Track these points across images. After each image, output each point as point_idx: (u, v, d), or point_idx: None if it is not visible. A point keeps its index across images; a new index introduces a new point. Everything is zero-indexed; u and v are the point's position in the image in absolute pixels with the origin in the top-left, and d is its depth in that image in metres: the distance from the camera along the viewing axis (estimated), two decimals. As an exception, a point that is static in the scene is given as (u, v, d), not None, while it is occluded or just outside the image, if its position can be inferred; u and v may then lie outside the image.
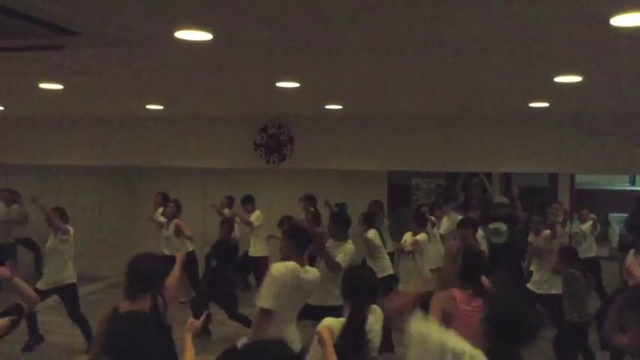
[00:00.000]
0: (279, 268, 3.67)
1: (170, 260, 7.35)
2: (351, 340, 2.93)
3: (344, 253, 5.10)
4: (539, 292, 6.13)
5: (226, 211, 8.64)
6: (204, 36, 3.32)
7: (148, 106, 6.79)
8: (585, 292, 5.31)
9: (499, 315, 2.24)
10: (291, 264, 3.68)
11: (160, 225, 7.85)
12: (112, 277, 8.93)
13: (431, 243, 7.05)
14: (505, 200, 8.09)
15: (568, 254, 5.38)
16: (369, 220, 6.66)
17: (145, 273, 3.17)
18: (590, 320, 5.37)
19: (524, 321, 2.18)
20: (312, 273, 3.87)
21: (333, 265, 5.00)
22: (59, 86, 5.44)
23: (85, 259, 9.49)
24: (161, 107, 6.85)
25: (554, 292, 5.80)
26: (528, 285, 6.30)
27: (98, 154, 8.22)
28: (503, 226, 7.22)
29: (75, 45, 3.59)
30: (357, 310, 3.00)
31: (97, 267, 9.40)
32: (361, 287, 3.12)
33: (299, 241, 3.80)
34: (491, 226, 7.48)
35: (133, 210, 10.24)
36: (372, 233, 6.48)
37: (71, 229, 6.29)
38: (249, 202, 8.31)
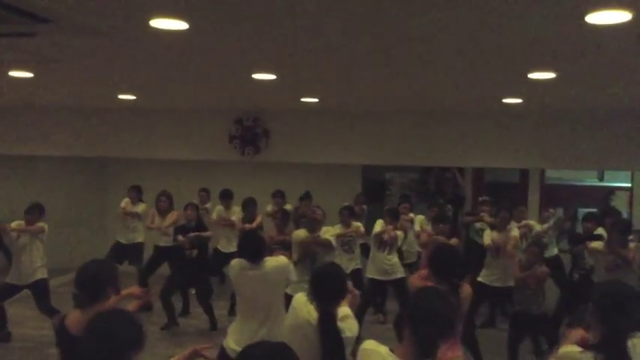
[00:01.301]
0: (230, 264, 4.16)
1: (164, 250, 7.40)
2: (325, 342, 2.91)
3: (329, 234, 5.74)
4: (495, 285, 6.30)
5: (208, 205, 8.63)
6: (179, 25, 3.27)
7: (121, 96, 6.68)
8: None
9: (417, 311, 2.29)
10: (236, 260, 4.08)
11: (133, 215, 7.83)
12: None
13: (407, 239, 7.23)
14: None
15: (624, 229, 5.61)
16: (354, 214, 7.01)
17: (93, 281, 3.02)
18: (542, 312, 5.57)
19: (438, 316, 2.22)
20: (261, 268, 3.99)
21: (324, 244, 5.58)
22: (30, 75, 5.31)
23: (56, 251, 9.35)
24: (134, 97, 6.75)
25: (509, 284, 6.04)
26: (480, 279, 6.44)
27: (69, 145, 8.06)
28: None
29: (47, 33, 3.51)
30: (325, 312, 2.97)
31: (68, 259, 9.24)
32: (329, 287, 3.06)
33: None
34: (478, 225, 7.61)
35: (105, 202, 10.09)
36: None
37: (46, 227, 6.22)
38: (229, 197, 8.11)
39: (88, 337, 2.15)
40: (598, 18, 2.88)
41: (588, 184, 10.39)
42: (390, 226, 6.69)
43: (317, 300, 3.02)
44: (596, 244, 5.79)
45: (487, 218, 7.40)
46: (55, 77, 5.53)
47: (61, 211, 9.63)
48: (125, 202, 8.13)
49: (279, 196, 8.32)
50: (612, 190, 9.43)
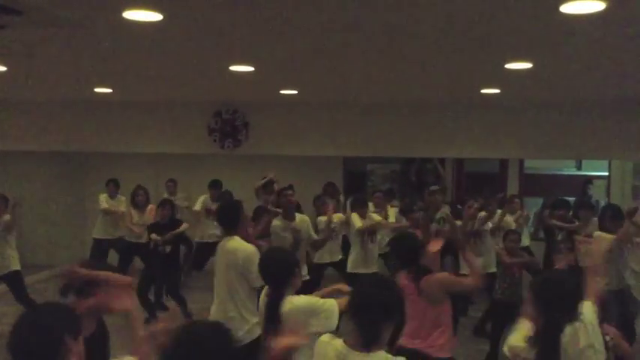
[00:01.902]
0: None
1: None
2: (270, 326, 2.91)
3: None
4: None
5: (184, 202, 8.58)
6: (153, 16, 3.22)
7: (97, 90, 6.59)
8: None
9: (354, 298, 2.34)
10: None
11: (116, 212, 7.76)
12: (61, 266, 8.69)
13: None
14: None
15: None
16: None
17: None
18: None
19: (374, 303, 2.22)
20: (230, 245, 4.09)
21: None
22: (2, 68, 5.22)
23: (34, 248, 9.24)
24: (110, 91, 6.66)
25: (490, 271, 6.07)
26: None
27: (46, 140, 7.94)
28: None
29: (19, 25, 3.44)
30: (276, 294, 2.99)
31: (46, 255, 9.15)
32: (276, 272, 3.07)
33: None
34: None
35: (83, 197, 9.96)
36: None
37: (7, 217, 6.07)
38: (219, 188, 8.06)
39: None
40: (572, 8, 2.91)
41: (566, 173, 10.51)
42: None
43: (266, 283, 3.15)
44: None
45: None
46: (29, 70, 5.42)
47: (37, 207, 9.51)
48: (104, 198, 8.02)
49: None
50: (590, 179, 9.55)
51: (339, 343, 2.28)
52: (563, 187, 9.44)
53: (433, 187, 6.99)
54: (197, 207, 8.12)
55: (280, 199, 5.86)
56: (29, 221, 9.19)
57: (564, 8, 2.92)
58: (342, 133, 7.38)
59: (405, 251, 3.74)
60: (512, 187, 9.42)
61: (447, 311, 3.71)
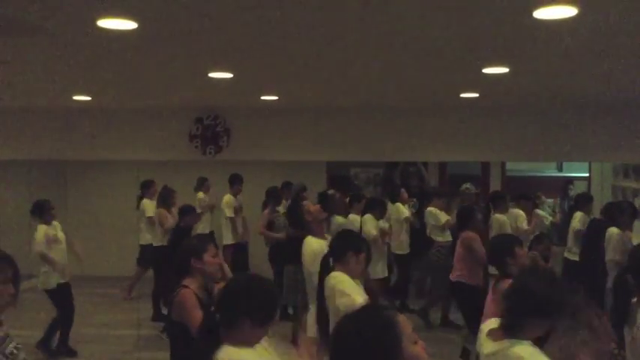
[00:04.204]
0: None
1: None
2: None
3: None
4: None
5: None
6: (127, 25, 3.20)
7: (75, 97, 6.53)
8: None
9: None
10: None
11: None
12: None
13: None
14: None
15: None
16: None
17: None
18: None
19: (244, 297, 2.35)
20: None
21: None
22: (-23, 76, 5.15)
23: (16, 257, 9.09)
24: (89, 98, 6.60)
25: None
26: None
27: (25, 148, 7.85)
28: None
29: (-10, 33, 3.40)
30: None
31: (28, 264, 9.01)
32: None
33: None
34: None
35: (65, 205, 9.86)
36: None
37: None
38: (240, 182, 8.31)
39: None
40: (545, 13, 2.93)
41: (548, 174, 10.61)
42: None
43: None
44: None
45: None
46: (5, 79, 5.36)
47: (20, 216, 9.38)
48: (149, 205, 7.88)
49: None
50: (571, 180, 9.65)
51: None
52: (544, 189, 9.52)
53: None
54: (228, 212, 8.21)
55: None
56: (10, 231, 9.07)
57: (537, 14, 2.94)
58: (324, 138, 7.38)
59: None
60: (495, 189, 9.48)
61: None
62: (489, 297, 3.80)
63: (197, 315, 2.99)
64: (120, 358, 6.23)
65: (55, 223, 6.24)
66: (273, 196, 7.74)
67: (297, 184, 8.26)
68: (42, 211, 6.13)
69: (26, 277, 8.67)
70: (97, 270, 8.96)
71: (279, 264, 7.01)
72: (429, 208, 7.58)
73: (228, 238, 8.24)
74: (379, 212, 7.22)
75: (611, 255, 5.82)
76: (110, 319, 7.49)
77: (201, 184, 8.85)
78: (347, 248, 3.59)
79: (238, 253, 8.20)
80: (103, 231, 9.67)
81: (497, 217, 6.81)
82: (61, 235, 6.24)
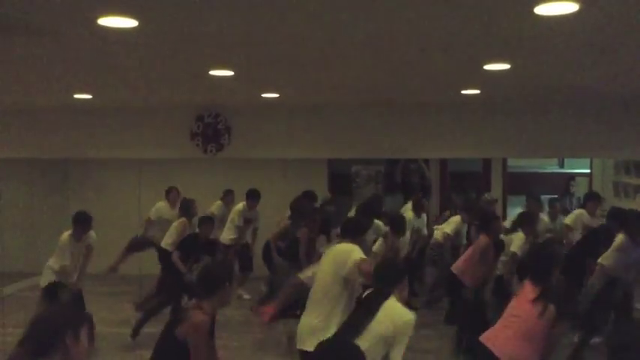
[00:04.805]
0: None
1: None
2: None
3: None
4: None
5: None
6: (128, 23, 3.19)
7: (77, 96, 6.53)
8: None
9: None
10: None
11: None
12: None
13: None
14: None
15: None
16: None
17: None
18: None
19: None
20: None
21: None
22: (-22, 76, 5.15)
23: (16, 256, 9.13)
24: (90, 97, 6.60)
25: None
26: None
27: (26, 147, 7.85)
28: None
29: (-10, 32, 3.40)
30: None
31: (27, 264, 9.04)
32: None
33: None
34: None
35: (66, 204, 9.87)
36: None
37: None
38: (257, 197, 8.00)
39: None
40: (546, 9, 2.92)
41: (549, 171, 10.61)
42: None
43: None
44: None
45: None
46: (7, 78, 5.37)
47: (20, 215, 9.40)
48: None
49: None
50: (572, 176, 9.64)
51: None
52: (546, 185, 9.53)
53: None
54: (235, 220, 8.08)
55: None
56: (10, 229, 9.09)
57: (539, 10, 2.93)
58: (324, 135, 7.37)
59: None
60: (496, 186, 9.49)
61: None
62: None
63: (203, 353, 3.03)
64: (120, 355, 6.24)
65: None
66: (299, 214, 7.22)
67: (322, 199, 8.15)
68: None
69: (27, 275, 8.75)
70: (99, 268, 8.97)
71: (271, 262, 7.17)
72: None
73: (228, 240, 8.15)
74: (402, 231, 6.65)
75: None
76: (111, 317, 7.50)
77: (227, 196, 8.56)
78: None
79: (242, 253, 8.16)
80: (105, 229, 9.66)
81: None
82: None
